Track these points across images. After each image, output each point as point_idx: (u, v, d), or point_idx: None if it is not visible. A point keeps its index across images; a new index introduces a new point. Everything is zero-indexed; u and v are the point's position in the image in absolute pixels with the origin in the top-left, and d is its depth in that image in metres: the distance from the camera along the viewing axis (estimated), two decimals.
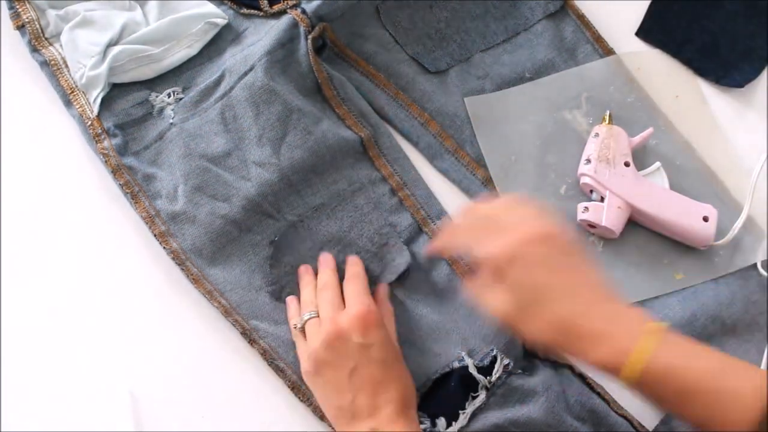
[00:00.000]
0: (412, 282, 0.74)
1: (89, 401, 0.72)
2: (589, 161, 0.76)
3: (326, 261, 0.73)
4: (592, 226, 0.76)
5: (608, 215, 0.74)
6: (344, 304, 0.68)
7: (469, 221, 0.67)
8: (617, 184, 0.75)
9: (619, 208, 0.75)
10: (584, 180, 0.77)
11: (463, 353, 0.71)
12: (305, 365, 0.67)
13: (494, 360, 0.71)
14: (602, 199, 0.76)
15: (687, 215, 0.75)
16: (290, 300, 0.72)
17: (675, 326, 0.74)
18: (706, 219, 0.74)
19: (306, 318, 0.68)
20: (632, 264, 0.76)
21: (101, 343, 0.73)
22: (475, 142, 0.80)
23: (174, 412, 0.72)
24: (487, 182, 0.79)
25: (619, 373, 0.56)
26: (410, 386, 0.66)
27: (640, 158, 0.79)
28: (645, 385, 0.55)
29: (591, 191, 0.77)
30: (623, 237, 0.76)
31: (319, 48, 0.82)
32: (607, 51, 0.84)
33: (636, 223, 0.77)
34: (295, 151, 0.74)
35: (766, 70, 0.84)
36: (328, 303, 0.68)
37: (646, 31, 0.85)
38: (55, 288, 0.75)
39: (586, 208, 0.75)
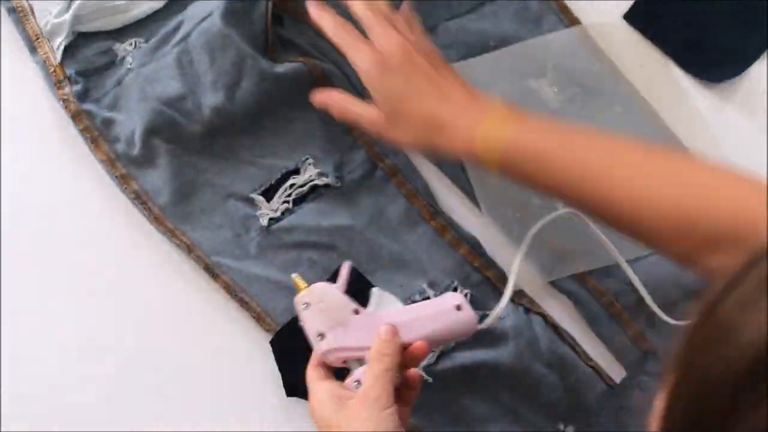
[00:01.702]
0: (371, 215, 0.75)
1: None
2: (322, 336, 0.62)
3: None
4: None
5: None
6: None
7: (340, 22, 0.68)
8: (365, 338, 0.62)
9: None
10: (332, 357, 0.62)
11: (424, 285, 0.72)
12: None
13: (454, 291, 0.72)
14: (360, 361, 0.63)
15: (441, 315, 0.63)
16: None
17: (639, 292, 0.74)
18: (458, 308, 0.63)
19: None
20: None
21: (61, 284, 0.74)
22: None
23: (139, 347, 0.73)
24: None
25: (478, 156, 0.61)
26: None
27: (603, 125, 0.78)
28: (508, 162, 0.60)
29: (345, 362, 0.63)
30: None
31: (278, 17, 0.81)
32: (572, 21, 0.84)
33: None
34: (249, 96, 0.75)
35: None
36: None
37: (634, 17, 0.85)
38: (10, 233, 0.75)
39: (359, 382, 0.60)
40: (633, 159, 0.58)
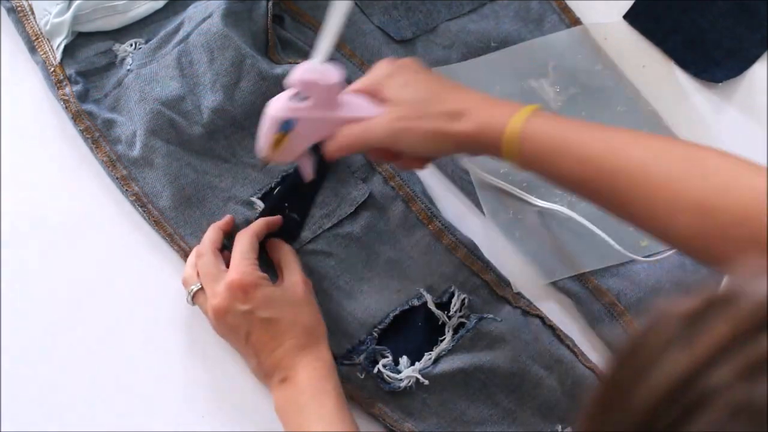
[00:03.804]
0: (369, 220, 0.75)
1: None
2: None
3: (213, 226, 0.72)
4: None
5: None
6: (226, 267, 0.68)
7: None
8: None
9: None
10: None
11: (422, 290, 0.72)
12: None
13: (452, 296, 0.72)
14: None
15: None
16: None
17: (640, 292, 0.74)
18: None
19: (193, 290, 0.68)
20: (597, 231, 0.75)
21: (60, 284, 0.74)
22: None
23: (137, 348, 0.72)
24: None
25: (500, 139, 0.59)
26: (310, 325, 0.67)
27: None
28: (524, 146, 0.59)
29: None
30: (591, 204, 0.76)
31: (278, 17, 0.81)
32: (573, 21, 0.84)
33: None
34: (248, 96, 0.75)
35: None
36: (206, 275, 0.67)
37: (634, 16, 0.85)
38: (10, 233, 0.75)
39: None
40: (654, 142, 0.58)
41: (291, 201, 0.72)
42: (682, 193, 0.53)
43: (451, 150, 0.65)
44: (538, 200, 0.76)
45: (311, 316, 0.68)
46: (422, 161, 0.67)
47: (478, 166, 0.77)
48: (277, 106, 0.62)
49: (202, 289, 0.68)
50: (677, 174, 0.54)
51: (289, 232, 0.73)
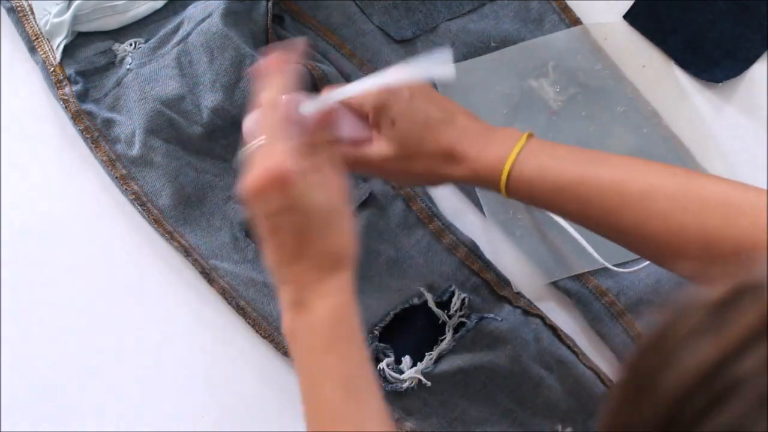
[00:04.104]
0: (369, 219, 0.75)
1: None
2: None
3: (287, 55, 0.58)
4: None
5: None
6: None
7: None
8: None
9: None
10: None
11: (422, 289, 0.72)
12: None
13: (452, 295, 0.72)
14: None
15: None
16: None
17: (640, 292, 0.74)
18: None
19: (254, 146, 0.55)
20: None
21: (59, 284, 0.74)
22: None
23: (135, 348, 0.73)
24: None
25: (499, 182, 0.58)
26: (342, 242, 0.57)
27: (604, 125, 0.78)
28: (521, 187, 0.58)
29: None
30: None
31: (278, 17, 0.81)
32: (573, 21, 0.84)
33: None
34: (248, 96, 0.74)
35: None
36: (267, 130, 0.55)
37: (634, 16, 0.85)
38: (10, 233, 0.75)
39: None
40: (653, 174, 0.56)
41: None
42: (683, 227, 0.53)
43: (446, 184, 0.64)
44: None
45: (341, 233, 0.57)
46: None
47: None
48: (254, 119, 0.59)
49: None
50: (678, 206, 0.53)
51: None
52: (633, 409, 0.33)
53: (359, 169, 0.62)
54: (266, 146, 0.54)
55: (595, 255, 0.74)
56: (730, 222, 0.51)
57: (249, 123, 0.59)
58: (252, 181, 0.53)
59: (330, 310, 0.55)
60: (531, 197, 0.59)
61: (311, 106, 0.58)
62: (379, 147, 0.60)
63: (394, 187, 0.76)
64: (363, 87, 0.58)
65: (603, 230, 0.58)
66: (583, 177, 0.56)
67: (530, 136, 0.60)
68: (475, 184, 0.61)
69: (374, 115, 0.60)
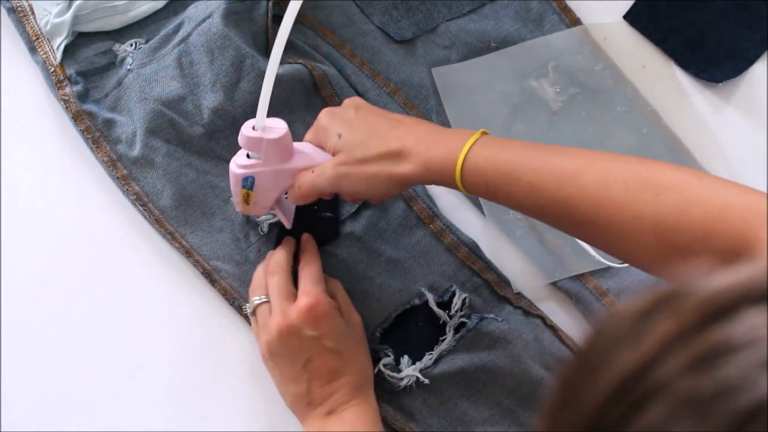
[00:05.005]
0: (370, 219, 0.75)
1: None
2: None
3: (286, 243, 0.71)
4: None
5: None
6: (296, 290, 0.67)
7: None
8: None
9: None
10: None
11: (423, 289, 0.72)
12: (261, 350, 0.67)
13: (453, 296, 0.72)
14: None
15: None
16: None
17: (640, 292, 0.74)
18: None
19: (256, 303, 0.67)
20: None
21: (60, 284, 0.74)
22: (441, 111, 0.80)
23: (136, 349, 0.73)
24: None
25: (453, 174, 0.59)
26: (366, 366, 0.67)
27: (604, 125, 0.78)
28: (477, 179, 0.59)
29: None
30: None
31: (279, 17, 0.81)
32: (573, 21, 0.84)
33: None
34: (248, 96, 0.75)
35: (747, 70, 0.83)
36: (278, 292, 0.66)
37: (634, 16, 0.85)
38: (10, 233, 0.75)
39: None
40: (606, 164, 0.56)
41: (318, 201, 0.70)
42: (637, 216, 0.53)
43: (396, 190, 0.64)
44: None
45: (366, 358, 0.68)
46: (376, 200, 0.68)
47: None
48: (236, 163, 0.65)
49: (266, 303, 0.66)
50: (632, 195, 0.53)
51: (328, 232, 0.73)
52: (557, 420, 0.33)
53: (316, 193, 0.65)
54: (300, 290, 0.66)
55: (596, 255, 0.74)
56: (683, 210, 0.52)
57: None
58: (287, 316, 0.64)
59: (363, 415, 0.64)
60: (486, 188, 0.59)
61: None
62: (331, 159, 0.63)
63: None
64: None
65: (559, 222, 0.59)
66: (537, 166, 0.57)
67: (484, 133, 0.61)
68: (427, 180, 0.61)
69: (322, 134, 0.64)
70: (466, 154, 0.59)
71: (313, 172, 0.64)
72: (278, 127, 0.63)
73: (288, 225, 0.70)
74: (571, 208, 0.56)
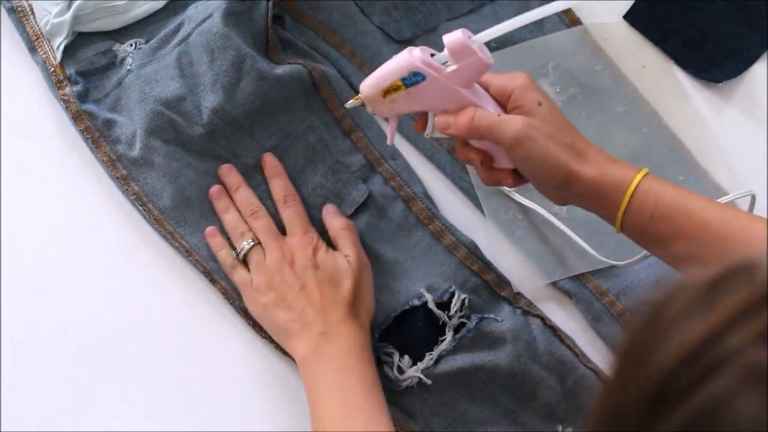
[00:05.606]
0: (369, 220, 0.75)
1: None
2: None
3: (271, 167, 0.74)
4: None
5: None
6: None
7: None
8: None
9: None
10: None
11: (422, 290, 0.72)
12: (251, 293, 0.69)
13: (452, 296, 0.72)
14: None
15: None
16: (211, 232, 0.73)
17: (640, 292, 0.74)
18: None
19: (247, 247, 0.70)
20: (598, 231, 0.75)
21: (60, 284, 0.74)
22: None
23: (136, 348, 0.73)
24: (451, 149, 0.79)
25: (625, 190, 0.60)
26: (366, 301, 0.70)
27: (604, 125, 0.78)
28: (647, 202, 0.59)
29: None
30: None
31: (279, 18, 0.81)
32: (573, 21, 0.84)
33: None
34: (248, 97, 0.74)
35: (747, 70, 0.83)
36: (270, 232, 0.71)
37: (634, 16, 0.85)
38: (10, 233, 0.75)
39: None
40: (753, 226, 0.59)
41: None
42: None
43: (557, 186, 0.62)
44: (535, 205, 0.76)
45: (368, 295, 0.70)
46: (515, 178, 0.65)
47: None
48: (418, 55, 0.59)
49: (257, 245, 0.70)
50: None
51: None
52: (624, 384, 0.33)
53: (487, 134, 0.61)
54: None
55: (596, 255, 0.74)
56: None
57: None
58: (283, 249, 0.69)
59: (357, 339, 0.66)
60: (653, 211, 0.60)
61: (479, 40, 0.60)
62: (521, 117, 0.61)
63: (394, 188, 0.76)
64: (512, 24, 0.60)
65: (663, 254, 0.63)
66: (693, 207, 0.59)
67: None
68: (591, 191, 0.61)
69: (521, 92, 0.62)
70: (644, 175, 0.60)
71: (499, 115, 0.61)
72: (488, 56, 0.60)
73: (390, 140, 0.65)
74: (695, 250, 0.59)
